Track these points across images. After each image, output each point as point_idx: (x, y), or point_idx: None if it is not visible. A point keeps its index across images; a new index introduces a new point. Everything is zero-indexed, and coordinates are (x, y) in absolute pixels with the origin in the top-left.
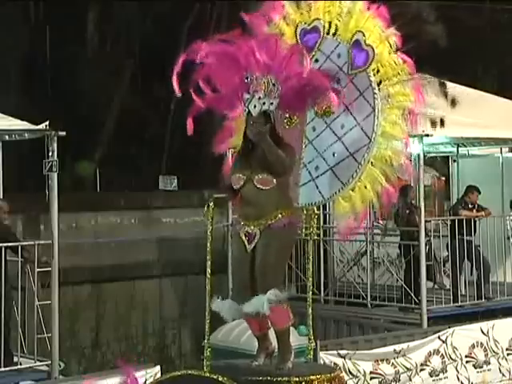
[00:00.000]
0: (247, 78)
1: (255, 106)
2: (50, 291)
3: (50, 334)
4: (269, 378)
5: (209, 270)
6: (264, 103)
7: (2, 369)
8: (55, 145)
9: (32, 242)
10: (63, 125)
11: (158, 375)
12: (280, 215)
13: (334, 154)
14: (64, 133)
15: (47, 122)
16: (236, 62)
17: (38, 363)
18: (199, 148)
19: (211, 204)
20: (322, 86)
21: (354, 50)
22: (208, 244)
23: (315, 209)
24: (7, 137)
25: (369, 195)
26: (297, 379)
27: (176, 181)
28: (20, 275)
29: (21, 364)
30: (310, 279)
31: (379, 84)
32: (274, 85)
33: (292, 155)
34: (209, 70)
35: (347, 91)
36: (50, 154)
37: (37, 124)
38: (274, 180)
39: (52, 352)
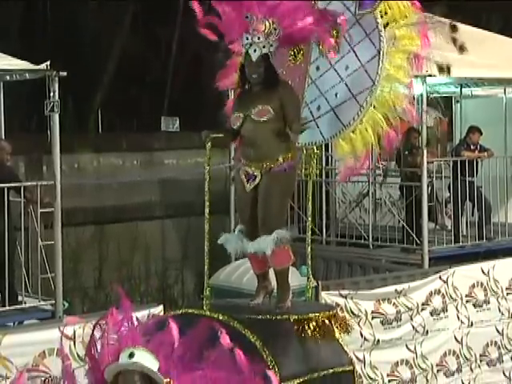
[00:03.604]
0: (247, 17)
1: (255, 51)
2: (52, 232)
3: (53, 274)
4: (268, 316)
5: (207, 211)
6: (264, 46)
7: (7, 308)
8: (56, 85)
9: (34, 183)
10: (64, 66)
11: (162, 314)
12: (280, 159)
13: (336, 95)
14: (65, 73)
15: (48, 62)
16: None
17: (43, 303)
18: (201, 89)
19: (208, 144)
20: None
21: None
22: (206, 184)
23: (315, 148)
24: (8, 77)
25: (369, 138)
26: (296, 317)
27: (178, 122)
28: (23, 216)
29: (25, 303)
30: (310, 219)
31: (386, 26)
32: (275, 29)
33: (296, 95)
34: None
35: (353, 32)
36: (52, 94)
37: (38, 65)
38: (272, 110)
39: (56, 291)
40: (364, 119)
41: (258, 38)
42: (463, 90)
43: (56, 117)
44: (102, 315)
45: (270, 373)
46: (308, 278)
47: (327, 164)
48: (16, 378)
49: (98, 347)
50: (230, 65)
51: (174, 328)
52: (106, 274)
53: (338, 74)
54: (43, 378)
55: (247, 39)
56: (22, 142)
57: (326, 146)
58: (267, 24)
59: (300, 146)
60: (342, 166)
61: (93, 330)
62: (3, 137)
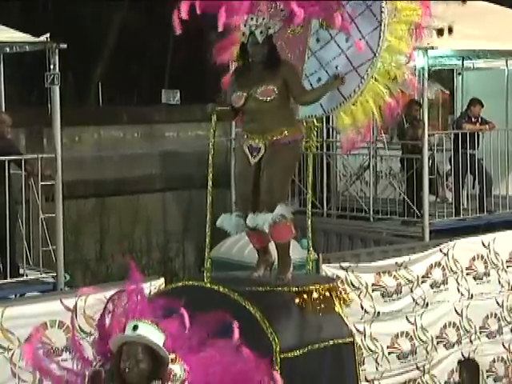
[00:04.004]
0: None
1: (261, 32)
2: (53, 205)
3: (54, 247)
4: (268, 288)
5: (210, 184)
6: (269, 28)
7: (9, 280)
8: (57, 57)
9: (35, 156)
10: (65, 39)
11: (162, 287)
12: (285, 132)
13: (336, 67)
14: (65, 45)
15: (48, 35)
16: None
17: (44, 275)
18: (202, 62)
19: (214, 116)
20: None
21: None
22: (210, 157)
23: (315, 121)
24: (8, 49)
25: (371, 110)
26: (296, 289)
27: (179, 95)
28: (24, 189)
29: (27, 276)
30: (310, 191)
31: None
32: (282, 10)
33: (297, 71)
34: None
35: (354, 4)
36: (52, 66)
37: (38, 37)
38: (276, 89)
39: (57, 264)
40: (365, 91)
41: (263, 19)
42: (465, 62)
43: (56, 89)
44: (108, 287)
45: (275, 373)
46: (308, 251)
47: (328, 137)
48: (32, 334)
49: (108, 319)
50: (229, 39)
51: (185, 313)
52: (107, 246)
53: (338, 45)
54: (45, 350)
55: (252, 20)
56: (23, 114)
57: (327, 118)
58: (273, 5)
59: (300, 118)
60: (344, 138)
61: (106, 303)
62: (3, 109)
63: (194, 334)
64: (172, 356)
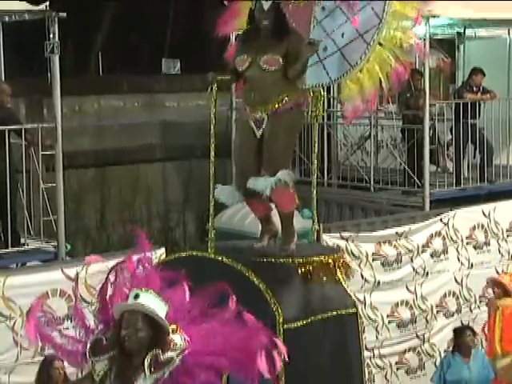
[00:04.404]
0: None
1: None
2: (54, 174)
3: (55, 217)
4: (272, 259)
5: (212, 153)
6: None
7: (10, 249)
8: (56, 26)
9: (35, 126)
10: (65, 8)
11: (163, 257)
12: (286, 99)
13: (342, 35)
14: (64, 14)
15: (47, 3)
16: None
17: (45, 244)
18: (203, 31)
19: (214, 86)
20: None
21: None
22: (211, 127)
23: (321, 90)
24: (7, 18)
25: (377, 76)
26: (300, 260)
27: (179, 64)
28: (24, 158)
29: (28, 245)
30: (315, 162)
31: None
32: None
33: (304, 44)
34: None
35: None
36: (51, 36)
37: (37, 6)
38: (280, 59)
39: (58, 233)
40: (371, 58)
41: None
42: (466, 31)
43: (56, 58)
44: (110, 257)
45: (278, 340)
46: (313, 221)
47: (329, 106)
48: (33, 305)
49: (110, 288)
50: (232, 10)
51: (186, 286)
52: (108, 216)
53: (343, 13)
54: (47, 318)
55: None
56: (23, 84)
57: (328, 88)
58: None
59: (306, 88)
60: (350, 107)
61: (109, 272)
62: (3, 79)
63: (195, 305)
64: (173, 326)
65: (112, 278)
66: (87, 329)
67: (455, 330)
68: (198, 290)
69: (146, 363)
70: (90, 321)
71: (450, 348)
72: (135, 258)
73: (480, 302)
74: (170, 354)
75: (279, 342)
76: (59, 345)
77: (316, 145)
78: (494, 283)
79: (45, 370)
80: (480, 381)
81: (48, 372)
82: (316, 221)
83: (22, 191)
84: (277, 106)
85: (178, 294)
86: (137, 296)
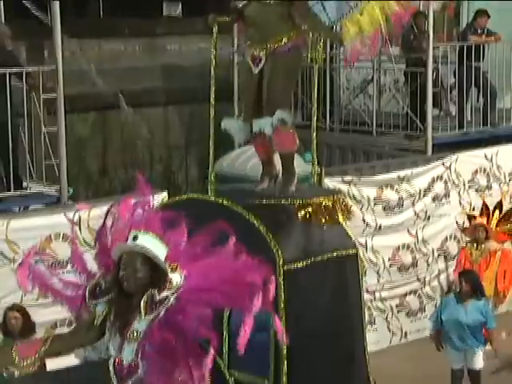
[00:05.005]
0: None
1: None
2: (56, 118)
3: (57, 160)
4: (272, 201)
5: (212, 96)
6: None
7: (12, 193)
8: None
9: (36, 68)
10: None
11: (166, 200)
12: (285, 39)
13: None
14: None
15: None
16: None
17: (47, 188)
18: None
19: (215, 27)
20: None
21: None
22: (212, 69)
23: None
24: None
25: (378, 19)
26: (300, 201)
27: (180, 7)
28: (25, 102)
29: (30, 189)
30: (316, 104)
31: None
32: None
33: None
34: None
35: None
36: None
37: None
38: None
39: (60, 177)
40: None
41: None
42: None
43: (56, 1)
44: (112, 201)
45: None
46: (313, 164)
47: (331, 49)
48: (24, 255)
49: (108, 232)
50: None
51: (184, 226)
52: (110, 160)
53: None
54: (50, 262)
55: None
56: (23, 26)
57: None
58: None
59: (306, 29)
60: (349, 49)
61: (105, 215)
62: (3, 21)
63: (196, 243)
64: (173, 265)
65: (109, 221)
66: (88, 273)
67: (460, 274)
68: (200, 227)
69: (143, 304)
70: (92, 264)
71: (451, 290)
72: (134, 201)
73: None
74: (165, 293)
75: (273, 278)
76: (57, 290)
77: (316, 88)
78: (479, 227)
79: (3, 321)
80: (475, 326)
81: (5, 322)
82: (316, 163)
83: (24, 135)
84: (275, 45)
85: (178, 234)
86: (135, 237)
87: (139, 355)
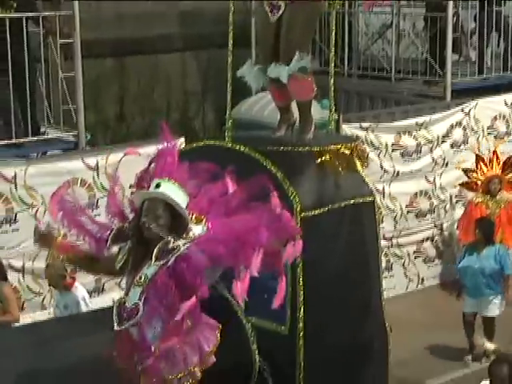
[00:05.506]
0: None
1: None
2: (73, 63)
3: (75, 106)
4: (289, 148)
5: (231, 42)
6: None
7: (30, 138)
8: None
9: (53, 13)
10: None
11: (183, 146)
12: None
13: None
14: None
15: None
16: None
17: (65, 134)
18: None
19: None
20: None
21: None
22: (230, 15)
23: None
24: None
25: None
26: (317, 149)
27: None
28: (42, 47)
29: (48, 134)
30: (333, 50)
31: None
32: None
33: None
34: None
35: None
36: None
37: None
38: None
39: (78, 123)
40: None
41: None
42: None
43: None
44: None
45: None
46: (330, 111)
47: None
48: (59, 188)
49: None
50: None
51: (229, 181)
52: (127, 106)
53: None
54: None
55: None
56: None
57: None
58: None
59: None
60: None
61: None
62: None
63: (232, 198)
64: (199, 217)
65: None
66: (121, 217)
67: (477, 221)
68: (239, 183)
69: (156, 250)
70: (126, 208)
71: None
72: (159, 148)
73: None
74: (179, 242)
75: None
76: (85, 228)
77: (333, 33)
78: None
79: None
80: (490, 274)
81: None
82: (334, 110)
83: (41, 80)
84: None
85: (217, 187)
86: (158, 185)
87: (142, 299)
